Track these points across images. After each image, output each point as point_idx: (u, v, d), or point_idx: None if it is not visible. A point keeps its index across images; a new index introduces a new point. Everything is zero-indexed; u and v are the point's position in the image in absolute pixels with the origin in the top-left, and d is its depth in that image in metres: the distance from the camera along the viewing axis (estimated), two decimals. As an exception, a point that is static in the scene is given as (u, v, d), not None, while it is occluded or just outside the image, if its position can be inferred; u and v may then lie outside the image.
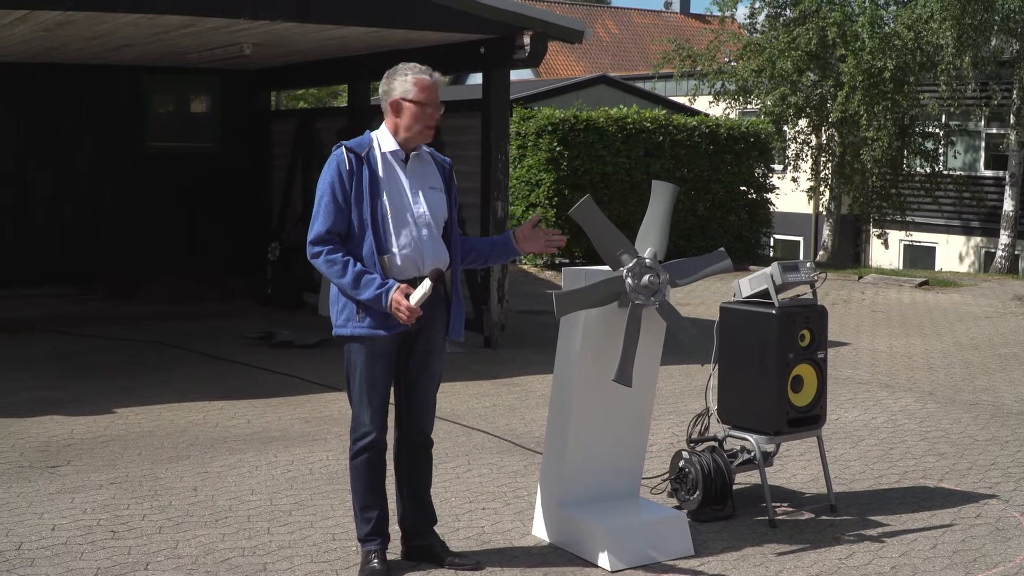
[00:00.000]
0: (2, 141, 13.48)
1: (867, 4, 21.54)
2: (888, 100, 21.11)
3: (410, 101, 4.69)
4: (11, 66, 13.03)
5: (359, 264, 4.60)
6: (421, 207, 4.72)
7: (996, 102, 21.43)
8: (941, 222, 24.41)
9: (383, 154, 4.72)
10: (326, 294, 12.41)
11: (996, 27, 20.37)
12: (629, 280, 4.96)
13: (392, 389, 4.87)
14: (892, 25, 21.78)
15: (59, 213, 13.83)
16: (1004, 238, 21.41)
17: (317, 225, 4.63)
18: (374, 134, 4.78)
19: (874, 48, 20.67)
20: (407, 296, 4.55)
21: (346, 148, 4.68)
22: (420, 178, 4.77)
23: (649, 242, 5.12)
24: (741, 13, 24.87)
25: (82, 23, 9.70)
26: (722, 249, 5.46)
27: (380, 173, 4.68)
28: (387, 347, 4.70)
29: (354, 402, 4.77)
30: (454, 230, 4.88)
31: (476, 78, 12.28)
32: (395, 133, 4.74)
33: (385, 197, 4.66)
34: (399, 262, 4.65)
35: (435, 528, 5.06)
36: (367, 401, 4.73)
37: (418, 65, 4.77)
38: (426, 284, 4.57)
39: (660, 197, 5.23)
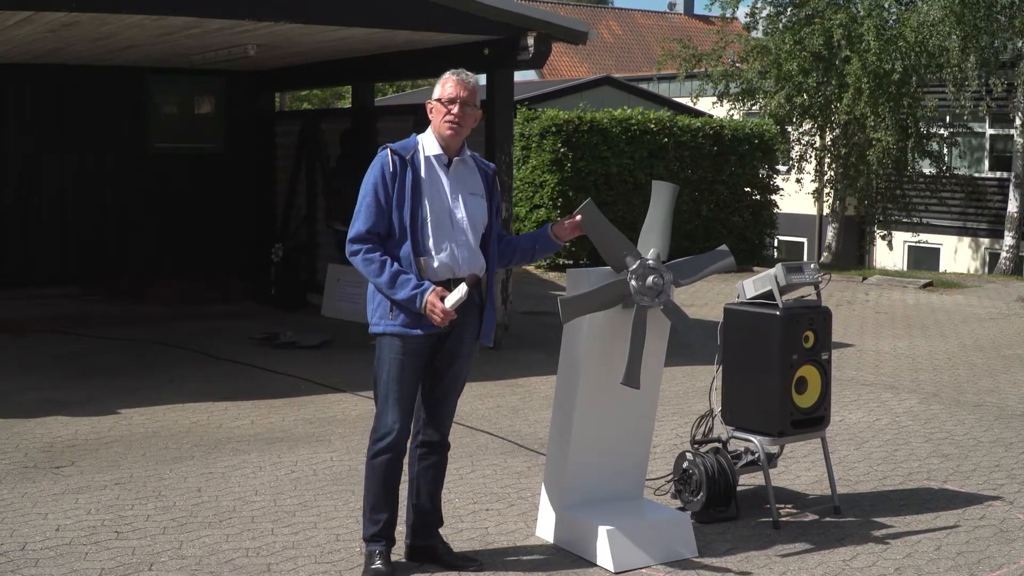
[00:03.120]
0: (7, 142, 13.49)
1: (871, 6, 21.50)
2: (893, 102, 21.09)
3: (435, 100, 4.78)
4: (17, 67, 13.04)
5: (396, 264, 4.65)
6: (461, 212, 4.76)
7: (996, 97, 21.39)
8: (945, 223, 24.39)
9: (427, 158, 4.76)
10: (330, 295, 12.55)
11: (1001, 26, 20.34)
12: (633, 282, 4.96)
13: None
14: (897, 27, 21.76)
15: (63, 214, 13.84)
16: (1008, 239, 21.39)
17: (357, 224, 4.68)
18: (420, 137, 4.83)
19: (879, 50, 20.66)
20: (442, 299, 4.58)
21: (391, 150, 4.72)
22: (462, 183, 4.81)
23: (651, 243, 5.11)
24: (742, 13, 24.78)
25: (87, 24, 9.71)
26: (724, 246, 5.45)
27: (423, 176, 4.72)
28: (418, 347, 4.72)
29: (379, 400, 4.78)
30: (493, 236, 4.91)
31: (480, 79, 12.33)
32: (435, 136, 4.81)
33: (426, 201, 4.70)
34: (435, 265, 4.69)
35: (439, 529, 5.06)
36: (392, 400, 4.73)
37: (453, 69, 4.83)
38: (462, 288, 4.60)
39: (660, 197, 5.23)
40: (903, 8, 22.41)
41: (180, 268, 14.19)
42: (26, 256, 13.59)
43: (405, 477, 4.97)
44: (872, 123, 21.18)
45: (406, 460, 4.91)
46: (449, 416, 4.98)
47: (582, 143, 17.25)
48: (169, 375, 9.16)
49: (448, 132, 4.74)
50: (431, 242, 4.69)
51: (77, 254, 13.86)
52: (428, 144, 4.80)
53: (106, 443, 7.03)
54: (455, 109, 4.72)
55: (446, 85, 4.76)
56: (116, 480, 6.24)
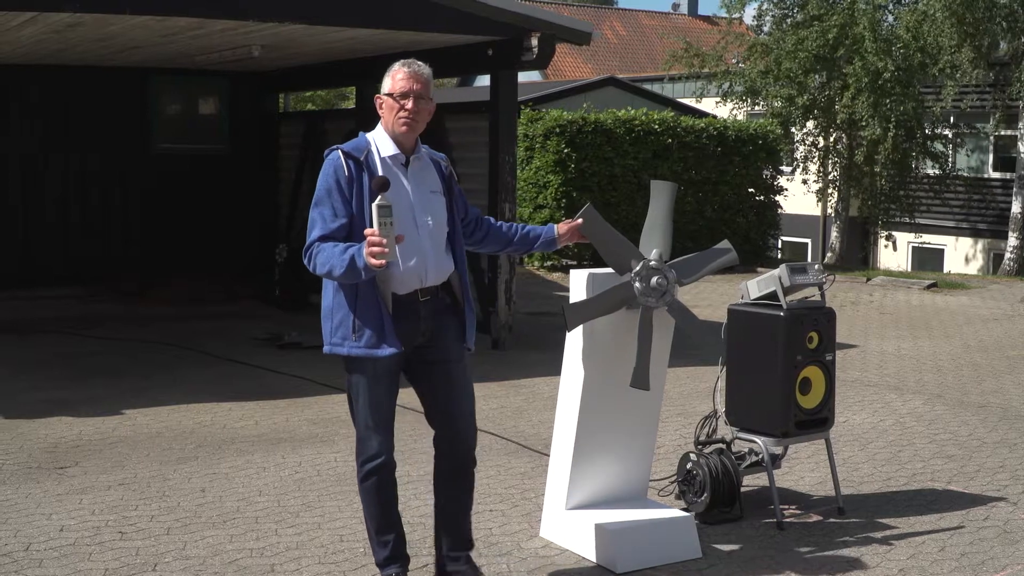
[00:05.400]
0: (11, 142, 13.51)
1: (865, 7, 21.52)
2: (893, 101, 21.10)
3: (386, 94, 4.42)
4: (21, 68, 13.06)
5: (327, 244, 4.25)
6: (426, 216, 4.42)
7: (996, 96, 21.42)
8: (950, 224, 24.38)
9: (383, 159, 4.40)
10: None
11: (999, 26, 20.38)
12: (637, 284, 4.96)
13: (423, 411, 4.64)
14: (894, 27, 21.82)
15: (67, 214, 13.86)
16: (1013, 240, 21.38)
17: (314, 233, 4.31)
18: (370, 136, 4.47)
19: (877, 50, 20.68)
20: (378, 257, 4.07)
21: (343, 153, 4.35)
22: (422, 183, 4.47)
23: (653, 243, 5.11)
24: (749, 15, 24.92)
25: (91, 25, 9.72)
26: (725, 241, 5.46)
27: None
28: (389, 366, 4.42)
29: (360, 425, 4.50)
30: (457, 235, 4.58)
31: (484, 80, 12.30)
32: (388, 134, 4.45)
33: None
34: (400, 274, 4.35)
35: (470, 554, 4.73)
36: (373, 424, 4.45)
37: (403, 60, 4.50)
38: (377, 202, 4.10)
39: (660, 196, 5.24)
40: (902, 7, 22.46)
41: (184, 268, 14.20)
42: (30, 256, 13.60)
43: (405, 486, 4.85)
44: (867, 122, 21.19)
45: (428, 481, 4.65)
46: (469, 429, 4.60)
47: (586, 144, 17.25)
48: (173, 375, 9.17)
49: (403, 129, 4.37)
50: (396, 251, 4.24)
51: (81, 254, 13.87)
52: (382, 143, 4.42)
53: (110, 443, 7.04)
54: (409, 104, 4.35)
55: (396, 77, 4.38)
56: (120, 481, 6.24)
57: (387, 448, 4.50)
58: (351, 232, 4.30)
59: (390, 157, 4.42)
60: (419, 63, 4.45)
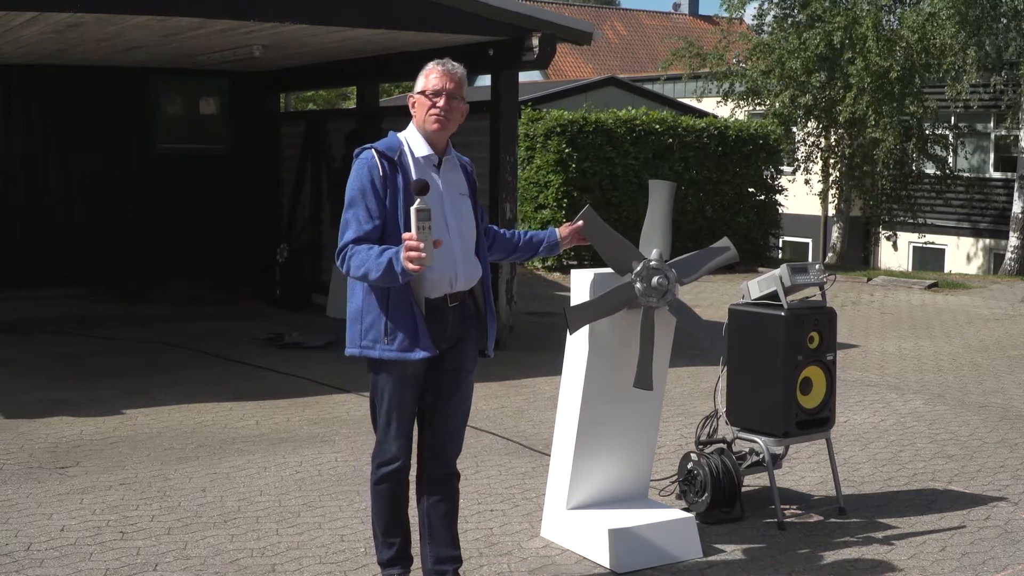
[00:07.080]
0: (12, 142, 13.51)
1: (868, 8, 21.52)
2: (895, 102, 21.10)
3: (418, 93, 4.36)
4: (22, 68, 13.07)
5: (362, 247, 4.19)
6: (457, 219, 4.37)
7: (996, 96, 21.42)
8: (951, 224, 24.39)
9: (416, 159, 4.33)
10: (335, 296, 12.55)
11: (1002, 25, 20.41)
12: (639, 285, 4.96)
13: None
14: (897, 27, 21.82)
15: (68, 214, 13.86)
16: (1013, 240, 21.38)
17: (348, 235, 4.22)
18: (403, 136, 4.39)
19: (880, 50, 20.69)
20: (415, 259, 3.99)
21: (377, 152, 4.27)
22: (453, 185, 4.41)
23: (653, 243, 5.11)
24: (749, 15, 24.94)
25: (92, 25, 9.72)
26: (725, 238, 5.46)
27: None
28: (418, 369, 4.36)
29: (380, 427, 4.44)
30: (481, 239, 4.51)
31: (485, 80, 12.30)
32: (420, 133, 4.38)
33: None
34: (431, 276, 4.26)
35: (459, 570, 4.62)
36: (395, 428, 4.40)
37: (438, 59, 4.45)
38: (416, 207, 4.02)
39: (659, 196, 5.24)
40: (905, 8, 22.45)
41: (185, 269, 14.22)
42: (32, 256, 13.61)
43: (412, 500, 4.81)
44: (873, 122, 21.20)
45: (412, 493, 4.60)
46: (458, 441, 4.57)
47: (587, 144, 17.25)
48: (174, 375, 9.18)
49: (435, 127, 4.30)
50: (434, 256, 4.10)
51: (83, 255, 13.88)
52: (414, 143, 4.35)
53: (111, 443, 7.04)
54: (440, 102, 4.28)
55: (430, 76, 4.32)
56: (121, 480, 6.24)
57: (405, 453, 4.47)
58: (384, 233, 4.23)
59: (423, 158, 4.35)
60: (453, 63, 4.40)
